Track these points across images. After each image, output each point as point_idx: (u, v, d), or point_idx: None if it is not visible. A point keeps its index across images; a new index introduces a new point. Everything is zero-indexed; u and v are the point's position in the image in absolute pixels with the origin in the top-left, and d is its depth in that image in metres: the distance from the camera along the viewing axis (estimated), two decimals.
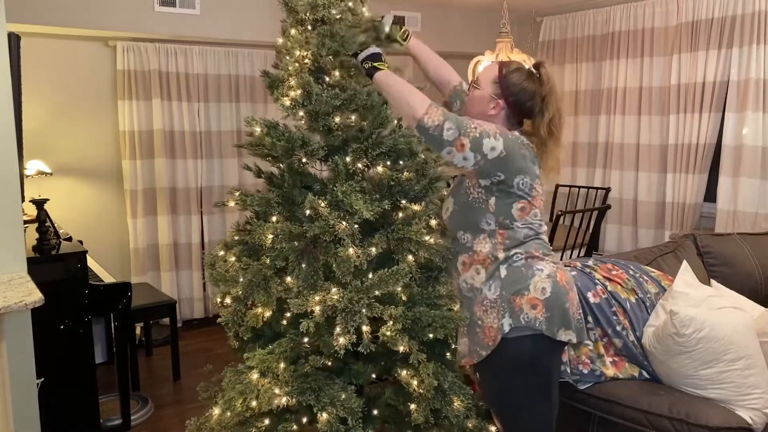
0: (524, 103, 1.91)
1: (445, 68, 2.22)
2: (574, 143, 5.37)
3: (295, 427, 1.86)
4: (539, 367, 1.90)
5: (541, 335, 1.85)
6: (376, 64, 1.85)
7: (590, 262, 2.71)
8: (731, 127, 4.27)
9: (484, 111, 1.92)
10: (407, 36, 2.10)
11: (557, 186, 5.44)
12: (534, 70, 1.95)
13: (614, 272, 2.63)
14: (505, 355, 1.86)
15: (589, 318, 2.45)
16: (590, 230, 4.59)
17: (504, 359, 1.87)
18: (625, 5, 4.88)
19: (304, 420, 1.90)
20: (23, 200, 2.59)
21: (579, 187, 5.26)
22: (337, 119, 1.81)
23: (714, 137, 4.41)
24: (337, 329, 1.70)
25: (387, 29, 1.98)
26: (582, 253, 4.60)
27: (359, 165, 1.81)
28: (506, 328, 1.84)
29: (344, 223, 1.73)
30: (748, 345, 2.28)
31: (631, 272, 2.67)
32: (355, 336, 1.70)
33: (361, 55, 1.87)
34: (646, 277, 2.68)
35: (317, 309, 1.71)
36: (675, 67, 4.56)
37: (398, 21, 2.05)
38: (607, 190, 5.05)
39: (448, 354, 1.99)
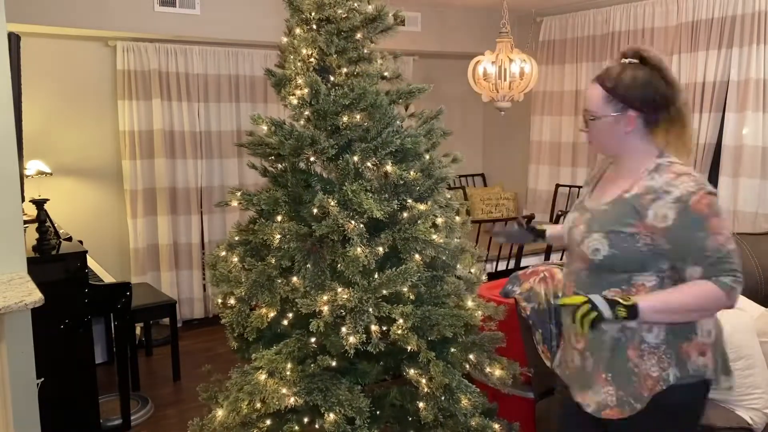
0: (653, 97, 1.61)
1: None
2: (574, 143, 5.37)
3: (296, 427, 1.86)
4: (695, 415, 1.70)
5: (702, 382, 1.65)
6: (622, 302, 1.54)
7: None
8: (731, 127, 4.28)
9: (618, 136, 1.64)
10: (543, 232, 2.02)
11: (557, 186, 5.45)
12: (633, 60, 1.65)
13: None
14: (662, 405, 1.63)
15: None
16: None
17: (661, 410, 1.64)
18: (625, 5, 4.88)
19: (306, 420, 1.90)
20: (23, 200, 2.59)
21: (579, 187, 5.25)
22: (345, 118, 1.81)
23: (714, 137, 4.42)
24: (344, 329, 1.70)
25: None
26: None
27: (368, 164, 1.81)
28: (672, 380, 1.61)
29: (353, 222, 1.72)
30: (748, 345, 2.28)
31: None
32: (364, 335, 1.70)
33: (606, 313, 1.53)
34: None
35: (325, 309, 1.70)
36: (675, 67, 4.56)
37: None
38: None
39: (453, 350, 1.98)
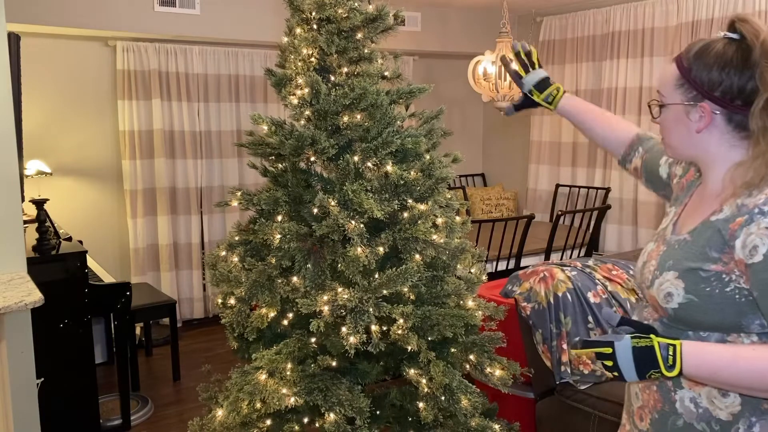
0: (744, 87, 1.11)
1: (616, 120, 1.55)
2: (573, 143, 5.37)
3: (296, 427, 1.86)
4: None
5: None
6: (663, 370, 1.08)
7: (590, 262, 2.71)
8: None
9: (688, 133, 1.18)
10: (554, 98, 1.57)
11: (557, 186, 5.45)
12: (729, 34, 1.16)
13: (614, 272, 2.64)
14: None
15: (590, 318, 2.45)
16: (590, 230, 4.59)
17: None
18: (625, 5, 4.88)
19: (306, 420, 1.90)
20: (23, 200, 2.59)
21: (579, 187, 5.26)
22: (345, 118, 1.81)
23: None
24: (344, 329, 1.70)
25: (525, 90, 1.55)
26: (582, 253, 4.60)
27: (369, 164, 1.81)
28: None
29: (353, 222, 1.72)
30: None
31: (631, 272, 2.68)
32: (364, 335, 1.70)
33: (628, 375, 1.09)
34: None
35: (326, 309, 1.71)
36: None
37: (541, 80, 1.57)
38: (607, 190, 5.05)
39: (453, 350, 1.98)
